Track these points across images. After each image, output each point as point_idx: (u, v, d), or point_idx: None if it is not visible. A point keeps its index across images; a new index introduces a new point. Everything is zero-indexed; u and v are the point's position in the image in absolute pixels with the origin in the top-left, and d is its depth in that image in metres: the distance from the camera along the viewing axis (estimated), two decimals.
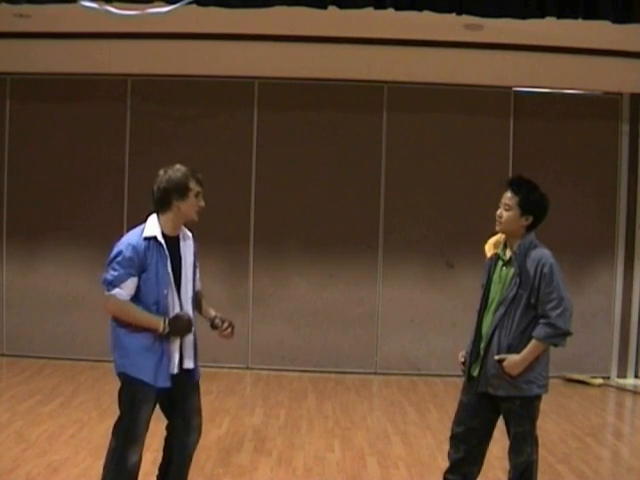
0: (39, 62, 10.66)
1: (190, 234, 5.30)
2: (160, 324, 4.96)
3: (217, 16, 8.37)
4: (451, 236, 10.98)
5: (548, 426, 8.43)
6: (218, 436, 7.62)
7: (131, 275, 4.96)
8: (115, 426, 5.10)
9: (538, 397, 5.17)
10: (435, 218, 11.00)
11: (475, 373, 5.23)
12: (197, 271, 5.37)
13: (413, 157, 11.01)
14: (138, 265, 4.97)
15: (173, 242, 5.13)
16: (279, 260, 11.02)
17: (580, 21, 7.67)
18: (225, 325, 5.29)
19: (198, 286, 5.39)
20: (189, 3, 7.06)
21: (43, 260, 11.08)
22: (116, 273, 4.96)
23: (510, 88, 11.00)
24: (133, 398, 5.01)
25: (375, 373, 10.96)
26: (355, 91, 10.99)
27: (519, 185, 5.28)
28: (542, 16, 7.63)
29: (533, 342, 5.01)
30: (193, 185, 5.09)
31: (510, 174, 10.92)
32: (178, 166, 5.15)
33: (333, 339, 11.00)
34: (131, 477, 5.08)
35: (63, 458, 6.72)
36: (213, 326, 5.33)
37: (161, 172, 5.12)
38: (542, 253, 5.14)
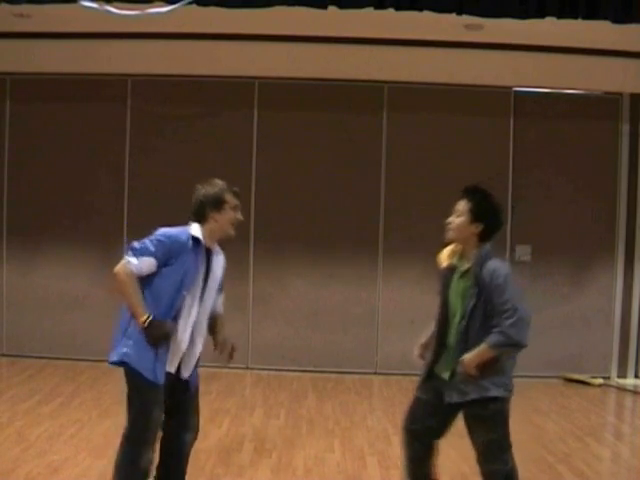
0: (39, 62, 10.65)
1: (222, 253, 5.35)
2: (144, 316, 4.91)
3: (217, 16, 8.38)
4: None
5: (548, 426, 8.45)
6: (218, 436, 7.61)
7: (153, 256, 4.97)
8: (127, 429, 5.08)
9: (507, 400, 5.07)
10: (435, 218, 10.91)
11: (440, 372, 5.18)
12: (222, 294, 5.42)
13: (413, 157, 11.01)
14: (165, 254, 4.98)
15: (207, 254, 5.19)
16: (279, 260, 11.02)
17: (580, 21, 7.68)
18: (226, 346, 5.30)
19: (220, 308, 5.42)
20: (189, 3, 7.05)
21: (43, 260, 11.08)
22: (144, 246, 5.00)
23: (510, 88, 11.00)
24: (145, 402, 4.99)
25: (375, 373, 10.96)
26: (355, 91, 10.99)
27: (473, 193, 5.18)
28: (542, 16, 7.63)
29: (483, 345, 4.91)
30: (229, 198, 5.20)
31: (510, 174, 10.95)
32: (216, 181, 5.24)
33: (333, 339, 11.00)
34: (143, 478, 5.07)
35: (63, 458, 6.71)
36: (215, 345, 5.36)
37: (199, 186, 5.22)
38: (496, 264, 5.01)
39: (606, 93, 11.06)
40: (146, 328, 4.91)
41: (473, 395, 5.00)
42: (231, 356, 5.32)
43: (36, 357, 10.89)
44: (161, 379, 4.99)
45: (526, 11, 7.57)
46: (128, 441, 5.05)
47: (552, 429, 8.33)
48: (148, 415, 5.00)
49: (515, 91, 11.02)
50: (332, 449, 7.38)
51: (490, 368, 4.96)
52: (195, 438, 5.36)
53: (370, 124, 11.01)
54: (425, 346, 5.45)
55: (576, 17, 7.62)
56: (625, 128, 11.04)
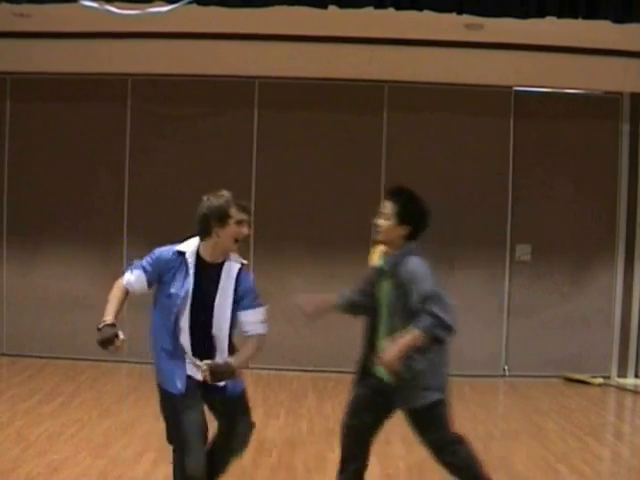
0: (39, 62, 10.65)
1: (239, 265, 5.08)
2: (104, 320, 4.99)
3: (217, 16, 8.38)
4: (452, 236, 10.96)
5: (548, 425, 8.45)
6: None
7: (143, 271, 4.97)
8: (167, 439, 5.09)
9: (445, 402, 5.08)
10: (436, 218, 10.90)
11: (375, 372, 5.19)
12: (253, 310, 5.02)
13: (413, 156, 11.00)
14: (154, 269, 4.97)
15: (212, 268, 4.98)
16: (279, 259, 11.02)
17: (580, 21, 7.68)
18: (204, 367, 4.84)
19: (251, 328, 4.99)
20: (189, 3, 7.06)
21: (43, 260, 11.08)
22: (137, 262, 5.02)
23: (511, 88, 11.00)
24: (171, 409, 4.98)
25: None
26: (356, 91, 10.99)
27: (398, 195, 5.23)
28: (542, 16, 7.63)
29: (413, 330, 4.82)
30: (234, 212, 4.97)
31: (510, 173, 10.94)
32: (222, 192, 5.03)
33: (333, 339, 10.98)
34: None
35: (63, 457, 6.71)
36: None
37: (204, 198, 5.00)
38: (414, 261, 5.03)
39: (606, 93, 11.07)
40: (97, 329, 5.02)
41: (417, 404, 5.02)
42: (208, 376, 4.86)
43: (36, 357, 10.90)
44: (181, 387, 4.93)
45: (526, 11, 7.57)
46: (174, 452, 5.05)
47: (552, 428, 8.32)
48: (178, 423, 4.94)
49: (516, 90, 11.02)
50: (332, 449, 7.37)
51: (416, 364, 4.94)
52: (242, 448, 5.23)
53: (370, 124, 11.01)
54: (320, 309, 5.55)
55: (576, 17, 7.62)
56: (625, 128, 11.04)
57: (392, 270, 5.10)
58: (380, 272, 5.29)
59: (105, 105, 11.04)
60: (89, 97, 11.02)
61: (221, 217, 4.94)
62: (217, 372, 4.84)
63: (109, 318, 4.97)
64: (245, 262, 5.12)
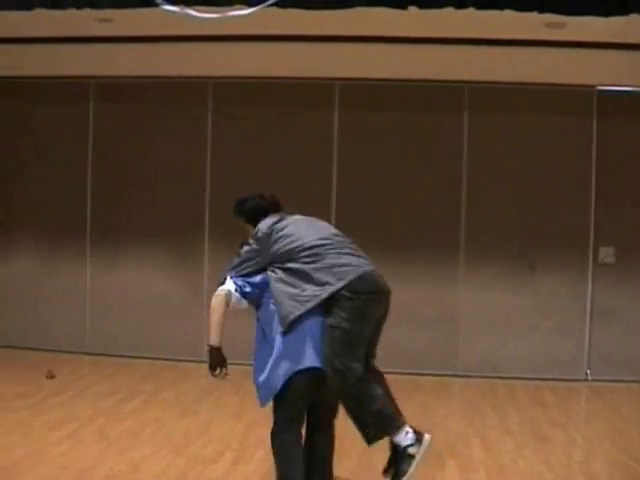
0: (120, 66, 10.82)
1: None
2: None
3: (295, 18, 8.36)
4: (533, 238, 10.82)
5: (631, 431, 8.27)
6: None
7: None
8: None
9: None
10: (516, 220, 10.86)
11: None
12: None
13: (494, 158, 10.89)
14: None
15: None
16: None
17: None
18: None
19: None
20: (271, 5, 7.06)
21: (125, 259, 11.28)
22: None
23: (593, 87, 10.81)
24: None
25: (454, 375, 10.85)
26: (435, 92, 10.92)
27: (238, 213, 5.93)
28: (625, 13, 7.48)
29: None
30: None
31: (594, 175, 10.75)
32: None
33: (408, 340, 10.85)
34: None
35: (144, 455, 6.81)
36: None
37: None
38: None
39: None
40: None
41: None
42: None
43: (117, 356, 11.08)
44: None
45: (608, 8, 7.42)
46: None
47: (635, 435, 8.15)
48: None
49: (599, 90, 10.81)
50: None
51: None
52: None
53: (451, 125, 10.90)
54: None
55: None
56: None
57: None
58: None
59: (185, 107, 11.20)
60: (170, 99, 11.20)
61: None
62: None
63: None
64: None
